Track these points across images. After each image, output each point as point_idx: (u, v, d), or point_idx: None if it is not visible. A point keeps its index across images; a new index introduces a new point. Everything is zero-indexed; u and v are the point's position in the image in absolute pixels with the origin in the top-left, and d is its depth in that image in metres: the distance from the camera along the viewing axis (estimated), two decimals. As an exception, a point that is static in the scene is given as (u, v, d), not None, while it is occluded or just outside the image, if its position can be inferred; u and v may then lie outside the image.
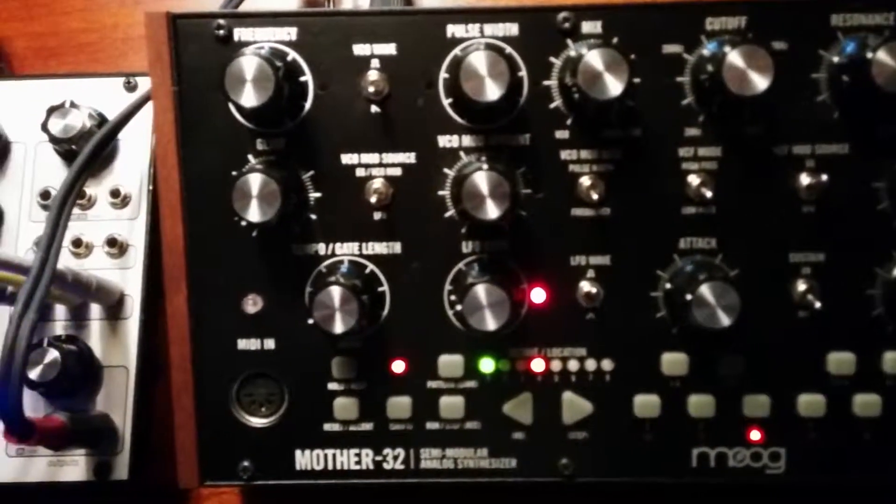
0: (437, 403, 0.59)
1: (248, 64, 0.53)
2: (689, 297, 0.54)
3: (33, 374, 0.59)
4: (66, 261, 0.63)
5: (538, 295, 0.58)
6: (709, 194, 0.55)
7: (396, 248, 0.58)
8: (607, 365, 0.58)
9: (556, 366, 0.59)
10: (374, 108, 0.57)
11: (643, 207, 0.57)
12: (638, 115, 0.56)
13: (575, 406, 0.59)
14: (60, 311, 0.65)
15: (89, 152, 0.59)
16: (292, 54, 0.56)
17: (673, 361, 0.58)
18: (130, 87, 0.69)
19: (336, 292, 0.54)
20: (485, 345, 0.59)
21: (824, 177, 0.56)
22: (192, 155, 0.57)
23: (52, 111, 0.65)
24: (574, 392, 0.59)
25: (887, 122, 0.56)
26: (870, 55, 0.52)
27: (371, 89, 0.56)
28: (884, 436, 0.58)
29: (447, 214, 0.58)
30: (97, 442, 0.62)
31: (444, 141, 0.57)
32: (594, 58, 0.52)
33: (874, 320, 0.57)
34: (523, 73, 0.56)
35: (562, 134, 0.57)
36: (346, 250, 0.58)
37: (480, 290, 0.54)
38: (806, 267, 0.57)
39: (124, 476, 0.62)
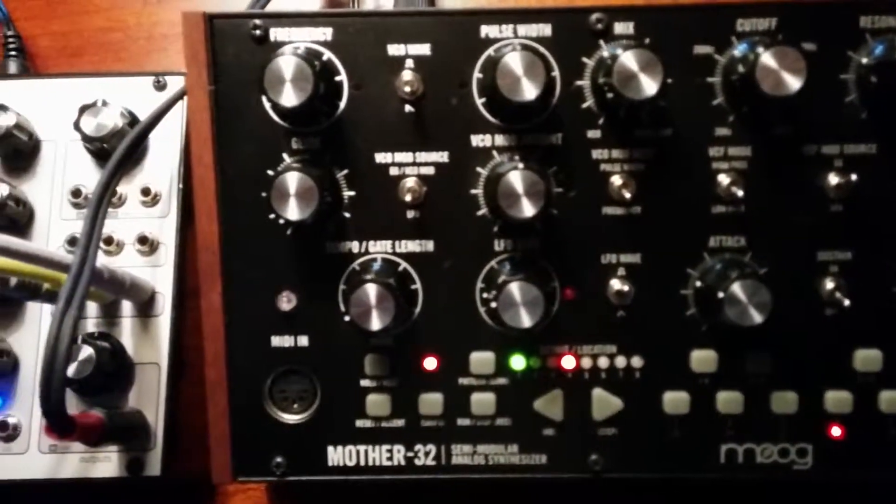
0: (468, 400, 0.60)
1: (287, 64, 0.53)
2: (721, 294, 0.54)
3: (69, 370, 0.60)
4: (98, 258, 0.63)
5: (569, 292, 0.59)
6: (740, 193, 0.56)
7: (429, 246, 0.59)
8: (637, 362, 0.59)
9: (586, 363, 0.59)
10: (407, 108, 0.58)
11: (673, 206, 0.58)
12: (669, 114, 0.57)
13: (605, 403, 0.59)
14: (92, 308, 0.65)
15: (125, 150, 0.60)
16: (327, 54, 0.57)
17: (702, 359, 0.59)
18: (160, 86, 0.69)
19: (373, 290, 0.55)
20: (516, 342, 0.59)
21: (853, 176, 0.56)
22: (228, 154, 0.58)
23: (84, 110, 0.65)
24: (604, 389, 0.59)
25: (915, 123, 0.57)
26: (898, 56, 0.53)
27: (406, 89, 0.57)
28: (910, 432, 0.58)
29: (479, 213, 0.58)
30: (130, 438, 0.62)
31: (477, 140, 0.58)
32: (629, 58, 0.53)
33: (901, 318, 0.58)
34: (556, 73, 0.56)
35: (593, 133, 0.58)
36: (379, 248, 0.59)
37: (515, 288, 0.55)
38: (833, 265, 0.58)
39: (157, 472, 0.63)
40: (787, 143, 0.57)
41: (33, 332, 0.66)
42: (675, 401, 0.59)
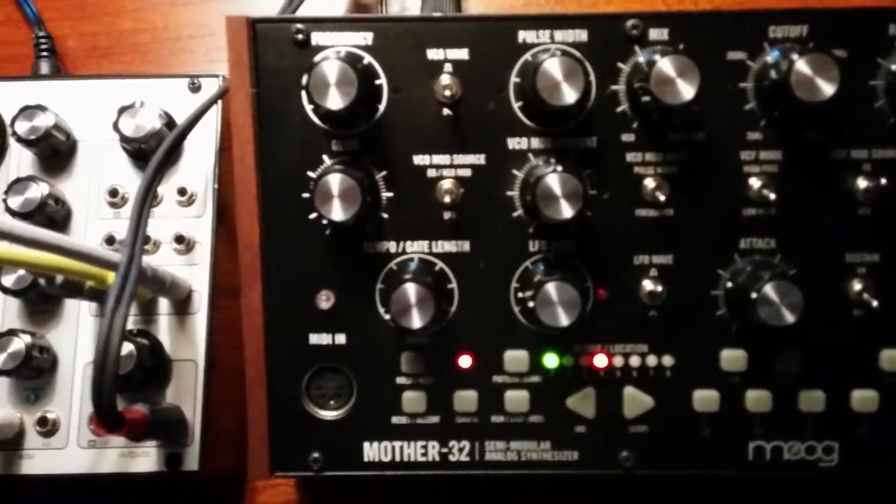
0: (502, 397, 0.61)
1: (332, 68, 0.54)
2: (753, 295, 0.55)
3: (112, 367, 0.61)
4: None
5: (602, 292, 0.60)
6: (772, 196, 0.57)
7: (465, 246, 0.60)
8: (668, 361, 0.60)
9: (618, 361, 0.61)
10: (445, 111, 0.59)
11: (705, 208, 0.59)
12: (702, 119, 0.58)
13: (636, 401, 0.61)
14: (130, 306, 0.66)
15: (166, 150, 0.61)
16: (368, 58, 0.58)
17: (732, 358, 0.60)
18: (195, 88, 0.70)
19: (412, 289, 0.56)
20: (549, 341, 0.60)
21: (881, 180, 0.58)
22: (269, 156, 0.59)
23: (122, 111, 0.66)
24: (635, 387, 0.61)
25: (942, 128, 0.58)
26: (927, 64, 0.54)
27: (444, 93, 0.58)
28: (935, 430, 0.60)
29: (515, 214, 0.59)
30: (169, 434, 0.63)
31: (514, 143, 0.59)
32: (666, 64, 0.54)
33: (928, 319, 0.59)
34: (592, 77, 0.58)
35: (627, 137, 0.59)
36: (416, 248, 0.60)
37: (553, 288, 0.56)
38: (861, 267, 0.59)
39: (195, 467, 0.64)
40: (816, 147, 0.59)
41: (71, 330, 0.67)
42: (704, 399, 0.60)
